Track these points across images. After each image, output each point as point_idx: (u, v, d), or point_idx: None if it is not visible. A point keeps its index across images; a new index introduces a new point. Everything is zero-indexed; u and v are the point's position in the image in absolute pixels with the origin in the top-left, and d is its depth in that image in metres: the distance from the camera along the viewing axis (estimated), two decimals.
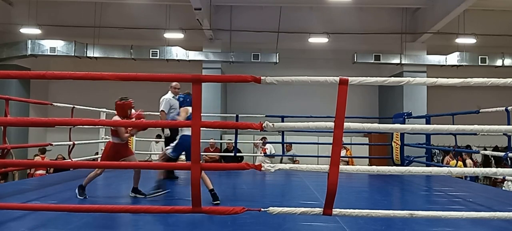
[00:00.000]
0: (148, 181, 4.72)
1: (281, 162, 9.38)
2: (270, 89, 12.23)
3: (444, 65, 11.34)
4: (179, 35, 11.13)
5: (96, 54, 11.16)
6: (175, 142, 4.59)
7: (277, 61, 11.23)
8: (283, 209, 2.75)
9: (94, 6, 10.99)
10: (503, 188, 8.01)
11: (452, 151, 8.86)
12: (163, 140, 6.29)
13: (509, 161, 5.78)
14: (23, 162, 7.71)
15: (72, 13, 11.31)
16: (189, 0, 8.84)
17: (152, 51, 11.15)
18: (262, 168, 2.70)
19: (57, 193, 4.97)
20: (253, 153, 10.08)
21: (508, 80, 2.68)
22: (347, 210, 2.72)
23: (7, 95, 5.76)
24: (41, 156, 9.56)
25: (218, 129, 9.88)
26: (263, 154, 9.45)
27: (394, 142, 8.64)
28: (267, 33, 11.03)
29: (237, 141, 8.86)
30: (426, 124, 8.13)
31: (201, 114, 2.71)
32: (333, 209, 2.69)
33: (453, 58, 11.23)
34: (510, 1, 10.62)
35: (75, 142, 6.72)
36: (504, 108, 5.45)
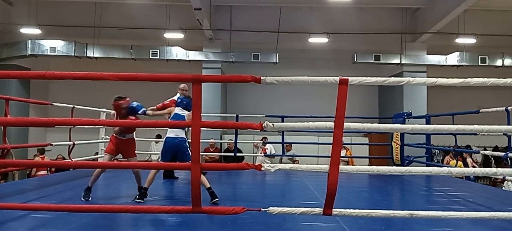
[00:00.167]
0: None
1: (280, 162, 9.38)
2: (270, 89, 12.23)
3: (444, 65, 11.34)
4: (179, 35, 11.13)
5: (96, 54, 11.16)
6: (161, 148, 4.55)
7: (277, 61, 11.23)
8: (283, 209, 2.75)
9: (94, 6, 10.98)
10: (503, 188, 8.01)
11: (452, 151, 8.86)
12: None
13: (509, 161, 5.77)
14: (23, 162, 7.71)
15: (72, 13, 11.31)
16: (189, 0, 8.84)
17: (152, 51, 11.15)
18: (262, 168, 2.70)
19: (57, 193, 4.98)
20: (254, 153, 10.08)
21: (508, 80, 2.68)
22: (347, 210, 2.72)
23: (7, 95, 5.76)
24: (40, 156, 9.56)
25: (218, 129, 9.88)
26: (263, 154, 9.45)
27: (394, 142, 8.64)
28: (267, 33, 11.02)
29: (238, 141, 8.86)
30: (426, 124, 8.13)
31: (201, 114, 2.71)
32: (333, 209, 2.69)
33: (453, 58, 11.22)
34: (510, 1, 10.61)
35: (75, 142, 6.72)
36: (504, 108, 5.45)
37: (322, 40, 11.34)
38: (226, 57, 11.39)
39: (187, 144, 4.51)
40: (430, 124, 7.94)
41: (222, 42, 11.57)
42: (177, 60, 11.34)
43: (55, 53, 11.00)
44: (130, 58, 11.24)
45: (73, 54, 10.98)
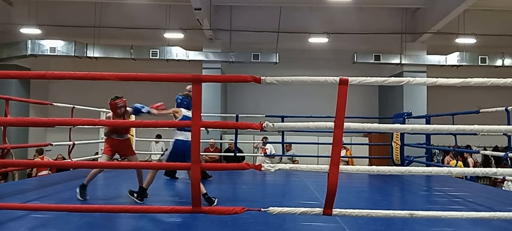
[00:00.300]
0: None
1: (280, 162, 9.38)
2: (270, 89, 12.23)
3: (444, 65, 11.34)
4: (179, 35, 11.13)
5: (96, 54, 11.16)
6: (169, 150, 4.39)
7: (277, 61, 11.23)
8: (283, 209, 2.75)
9: (94, 6, 10.99)
10: (503, 188, 8.01)
11: (452, 151, 8.86)
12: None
13: (509, 161, 5.77)
14: (23, 162, 7.71)
15: (72, 13, 11.31)
16: (189, 0, 8.84)
17: (152, 51, 11.15)
18: (262, 168, 2.70)
19: (57, 193, 4.98)
20: (254, 153, 10.08)
21: (508, 80, 2.68)
22: (347, 210, 2.72)
23: (7, 95, 5.76)
24: (39, 156, 9.56)
25: (218, 129, 9.88)
26: (263, 154, 9.45)
27: (394, 142, 8.63)
28: (267, 33, 11.03)
29: (239, 141, 8.85)
30: (426, 124, 8.13)
31: (201, 114, 2.71)
32: (333, 209, 2.69)
33: (453, 58, 11.23)
34: (510, 1, 10.61)
35: (75, 142, 6.73)
36: (504, 108, 5.45)
37: (322, 40, 11.34)
38: (226, 57, 11.39)
39: None
40: (430, 124, 7.94)
41: (222, 42, 11.57)
42: (177, 60, 11.34)
43: (55, 53, 11.00)
44: (130, 58, 11.24)
45: (73, 54, 10.99)
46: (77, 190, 4.36)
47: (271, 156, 9.46)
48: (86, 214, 3.52)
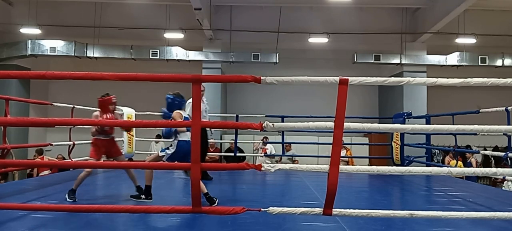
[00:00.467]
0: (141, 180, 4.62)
1: (280, 162, 9.38)
2: (270, 89, 12.23)
3: (444, 65, 11.34)
4: (179, 35, 11.13)
5: (96, 54, 11.16)
6: (171, 150, 4.26)
7: (277, 61, 11.23)
8: (283, 209, 2.75)
9: (94, 6, 10.98)
10: (503, 188, 8.01)
11: (452, 151, 8.86)
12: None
13: (509, 161, 5.78)
14: (23, 162, 7.71)
15: (72, 13, 11.31)
16: (189, 0, 8.84)
17: (152, 51, 11.15)
18: (262, 168, 2.70)
19: (57, 193, 4.97)
20: (254, 153, 10.08)
21: (508, 80, 2.68)
22: (347, 210, 2.72)
23: (7, 95, 5.77)
24: (39, 157, 9.56)
25: (218, 129, 9.88)
26: (263, 154, 9.45)
27: (394, 142, 8.63)
28: (267, 33, 11.02)
29: (239, 141, 8.85)
30: (426, 124, 8.13)
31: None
32: (333, 209, 2.69)
33: (453, 58, 11.23)
34: (510, 1, 10.61)
35: (75, 142, 6.72)
36: (504, 108, 5.46)
37: (322, 40, 11.34)
38: (226, 57, 11.39)
39: None
40: (430, 124, 7.94)
41: (222, 42, 11.57)
42: (177, 60, 11.34)
43: (55, 53, 11.00)
44: (130, 58, 11.24)
45: (73, 54, 10.98)
46: (66, 195, 4.30)
47: (271, 156, 9.46)
48: (86, 214, 3.51)
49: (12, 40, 11.22)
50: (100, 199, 4.59)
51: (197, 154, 2.69)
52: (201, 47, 11.59)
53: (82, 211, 3.45)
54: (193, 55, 11.43)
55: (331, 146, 2.64)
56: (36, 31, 10.95)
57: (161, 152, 4.29)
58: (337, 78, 2.62)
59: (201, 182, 4.18)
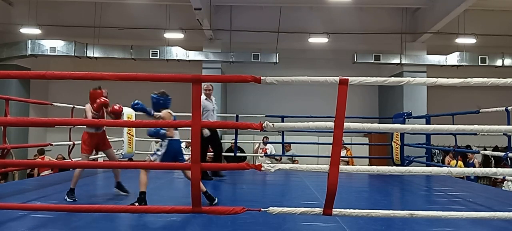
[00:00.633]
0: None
1: (280, 162, 9.38)
2: (270, 89, 12.23)
3: (444, 65, 11.34)
4: (179, 35, 11.13)
5: (96, 54, 11.16)
6: (162, 151, 4.13)
7: (277, 61, 11.23)
8: (283, 209, 2.75)
9: (94, 6, 10.99)
10: (503, 188, 8.02)
11: (452, 151, 8.86)
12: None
13: (509, 161, 5.77)
14: (23, 162, 7.72)
15: (72, 13, 11.31)
16: (189, 0, 8.84)
17: (152, 51, 11.16)
18: (262, 168, 2.70)
19: (57, 193, 4.97)
20: (254, 153, 10.08)
21: (508, 80, 2.68)
22: (347, 210, 2.72)
23: (7, 95, 5.76)
24: (40, 157, 9.56)
25: (218, 129, 9.88)
26: (263, 154, 9.45)
27: (394, 142, 8.63)
28: (267, 33, 11.03)
29: (240, 141, 8.85)
30: (426, 124, 8.13)
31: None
32: (333, 209, 2.69)
33: (453, 58, 11.23)
34: (510, 1, 10.62)
35: (75, 142, 6.72)
36: (504, 108, 5.45)
37: (322, 40, 11.34)
38: (226, 57, 11.40)
39: None
40: (430, 124, 7.93)
41: (222, 42, 11.57)
42: (177, 60, 11.34)
43: (55, 53, 11.00)
44: (130, 58, 11.24)
45: (73, 54, 10.99)
46: (66, 197, 4.31)
47: (272, 156, 9.46)
48: (86, 214, 3.51)
49: (12, 40, 11.23)
50: (100, 199, 4.59)
51: (197, 154, 2.69)
52: (201, 47, 11.60)
53: (82, 211, 3.45)
54: (193, 55, 11.44)
55: (331, 146, 2.64)
56: (36, 31, 10.95)
57: (152, 156, 4.24)
58: (337, 78, 2.62)
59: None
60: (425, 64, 11.45)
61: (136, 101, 4.07)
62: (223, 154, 9.99)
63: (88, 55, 11.11)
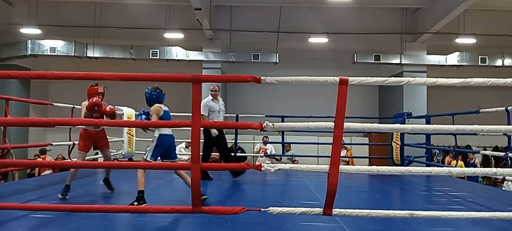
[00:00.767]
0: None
1: (280, 162, 9.38)
2: (270, 89, 12.23)
3: (444, 65, 11.35)
4: (179, 35, 11.14)
5: (96, 54, 11.16)
6: (152, 145, 4.16)
7: (277, 61, 11.24)
8: (283, 209, 2.75)
9: (94, 6, 10.99)
10: (503, 188, 8.02)
11: (452, 151, 8.86)
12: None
13: (509, 161, 5.77)
14: (23, 162, 7.70)
15: (72, 13, 11.32)
16: (189, 0, 8.84)
17: (152, 51, 11.16)
18: (262, 168, 2.70)
19: (57, 193, 4.96)
20: (255, 152, 10.08)
21: (508, 80, 2.68)
22: (347, 210, 2.72)
23: (7, 95, 5.76)
24: (41, 157, 9.56)
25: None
26: (263, 154, 9.45)
27: (394, 142, 8.63)
28: (267, 33, 11.03)
29: (240, 141, 8.84)
30: (426, 124, 8.13)
31: (201, 114, 2.71)
32: (333, 209, 2.69)
33: (453, 58, 11.23)
34: (510, 1, 10.62)
35: (75, 142, 6.71)
36: (504, 108, 5.45)
37: (322, 40, 11.34)
38: (226, 57, 11.40)
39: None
40: (430, 124, 7.93)
41: (222, 42, 11.58)
42: (177, 60, 11.35)
43: (55, 53, 11.01)
44: (130, 58, 11.24)
45: (73, 54, 10.99)
46: (59, 194, 4.37)
47: (272, 156, 9.46)
48: (86, 214, 3.51)
49: (12, 40, 11.23)
50: (100, 199, 4.58)
51: (197, 154, 2.69)
52: (201, 47, 11.60)
53: (82, 211, 3.45)
54: (193, 55, 11.44)
55: (331, 146, 2.64)
56: (36, 31, 10.95)
57: (144, 155, 4.23)
58: (337, 78, 2.62)
59: (187, 176, 4.16)
60: (425, 64, 11.45)
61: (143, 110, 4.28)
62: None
63: (88, 55, 11.12)
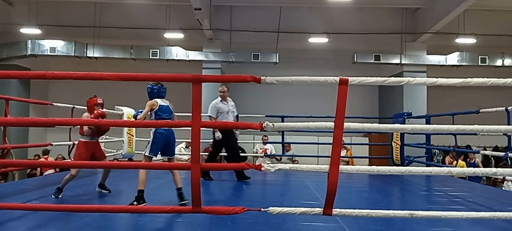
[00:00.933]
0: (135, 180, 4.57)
1: (280, 162, 9.38)
2: (270, 89, 12.22)
3: (444, 65, 11.34)
4: (179, 35, 11.13)
5: (96, 54, 11.16)
6: (150, 141, 4.17)
7: (277, 61, 11.23)
8: (283, 209, 2.75)
9: (94, 6, 10.99)
10: (503, 188, 8.01)
11: (452, 151, 8.86)
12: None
13: (509, 161, 5.77)
14: (23, 162, 7.71)
15: (72, 13, 11.31)
16: (189, 0, 8.84)
17: (152, 51, 11.16)
18: (262, 168, 2.70)
19: None
20: (255, 152, 10.07)
21: (508, 80, 2.68)
22: (347, 210, 2.72)
23: (7, 95, 5.76)
24: (44, 157, 9.55)
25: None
26: (263, 155, 9.45)
27: (394, 142, 8.63)
28: (267, 33, 11.03)
29: (240, 141, 8.82)
30: (426, 124, 8.13)
31: (201, 114, 2.71)
32: (333, 209, 2.69)
33: (453, 58, 11.23)
34: (510, 1, 10.61)
35: (75, 142, 6.71)
36: (504, 108, 5.45)
37: (322, 40, 11.34)
38: (226, 57, 11.40)
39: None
40: (430, 124, 7.93)
41: (222, 42, 11.57)
42: (177, 60, 11.34)
43: (55, 53, 11.00)
44: (130, 58, 11.24)
45: (73, 54, 10.99)
46: (53, 194, 4.41)
47: (272, 156, 9.45)
48: (86, 214, 3.51)
49: (12, 40, 11.23)
50: (99, 199, 4.58)
51: (197, 154, 2.69)
52: (201, 47, 11.59)
53: (82, 211, 3.45)
54: (193, 55, 11.44)
55: (331, 146, 2.64)
56: (36, 31, 10.95)
57: (144, 151, 4.25)
58: (337, 78, 2.62)
59: (177, 175, 4.17)
60: (425, 64, 11.44)
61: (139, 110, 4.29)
62: (222, 154, 10.01)
63: (88, 55, 11.11)
